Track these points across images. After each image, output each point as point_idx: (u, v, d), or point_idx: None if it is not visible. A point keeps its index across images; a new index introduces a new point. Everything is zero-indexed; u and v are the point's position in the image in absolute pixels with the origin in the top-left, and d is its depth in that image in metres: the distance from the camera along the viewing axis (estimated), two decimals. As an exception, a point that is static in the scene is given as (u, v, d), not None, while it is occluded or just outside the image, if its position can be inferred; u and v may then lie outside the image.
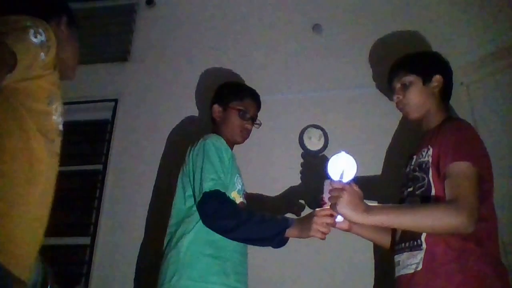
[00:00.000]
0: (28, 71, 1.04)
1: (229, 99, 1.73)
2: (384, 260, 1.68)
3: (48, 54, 1.07)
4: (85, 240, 2.16)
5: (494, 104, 1.96)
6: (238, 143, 1.74)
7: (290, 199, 1.98)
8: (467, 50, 2.03)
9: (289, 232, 1.38)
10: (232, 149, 1.65)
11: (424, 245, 1.29)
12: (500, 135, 1.88)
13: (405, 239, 1.36)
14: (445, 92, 1.54)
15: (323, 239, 1.35)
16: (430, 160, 1.34)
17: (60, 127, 1.21)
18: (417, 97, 1.51)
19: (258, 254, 1.67)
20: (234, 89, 1.79)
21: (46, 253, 1.32)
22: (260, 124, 1.81)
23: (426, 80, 1.51)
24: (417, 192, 1.37)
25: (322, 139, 2.09)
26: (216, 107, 1.75)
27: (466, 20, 2.09)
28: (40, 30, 1.06)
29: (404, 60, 1.59)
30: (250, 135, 1.78)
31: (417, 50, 1.69)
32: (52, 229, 2.27)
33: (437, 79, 1.52)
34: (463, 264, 1.22)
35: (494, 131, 1.89)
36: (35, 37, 1.04)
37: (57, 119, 1.18)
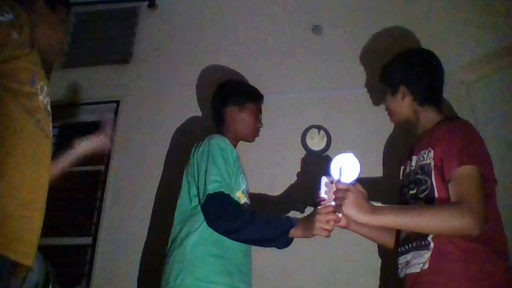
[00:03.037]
0: (1, 50, 0.99)
1: (246, 100, 1.75)
2: (389, 260, 1.67)
3: (21, 32, 1.03)
4: (87, 240, 2.17)
5: (494, 103, 1.95)
6: (250, 141, 1.77)
7: (292, 197, 1.98)
8: (467, 50, 2.03)
9: (293, 232, 1.37)
10: (236, 147, 1.66)
11: (432, 245, 1.27)
12: (501, 134, 1.88)
13: (411, 240, 1.35)
14: (423, 98, 1.48)
15: (327, 237, 1.34)
16: (433, 163, 1.33)
17: (48, 107, 1.17)
18: (390, 105, 1.56)
19: (263, 254, 1.67)
20: (249, 91, 1.81)
21: (48, 253, 1.33)
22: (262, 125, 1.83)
23: (394, 90, 1.52)
24: (420, 196, 1.36)
25: (325, 139, 2.09)
26: (233, 109, 1.74)
27: (466, 19, 2.09)
28: (6, 8, 1.01)
29: (381, 69, 1.61)
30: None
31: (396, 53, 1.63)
32: (54, 229, 2.31)
33: (401, 90, 1.50)
34: (470, 263, 1.22)
35: (495, 131, 1.88)
36: (2, 15, 0.99)
37: (43, 99, 1.14)
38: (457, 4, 2.15)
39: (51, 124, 1.18)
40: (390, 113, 1.58)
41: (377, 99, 2.09)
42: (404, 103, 1.50)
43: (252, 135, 1.76)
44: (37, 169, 1.10)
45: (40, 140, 1.12)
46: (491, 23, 1.99)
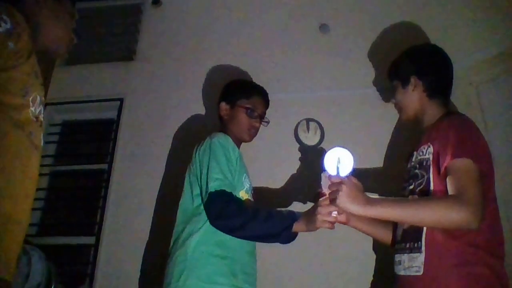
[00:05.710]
0: None
1: (236, 97, 1.71)
2: (384, 257, 1.68)
3: (18, 42, 1.00)
4: (90, 240, 2.15)
5: (503, 105, 1.93)
6: (246, 141, 1.72)
7: (293, 190, 1.98)
8: (476, 50, 2.01)
9: (296, 226, 1.36)
10: (239, 147, 1.64)
11: (423, 248, 1.27)
12: (510, 135, 1.86)
13: (407, 239, 1.35)
14: (433, 90, 1.49)
15: (331, 228, 1.33)
16: (431, 158, 1.33)
17: (41, 117, 1.15)
18: (401, 100, 1.55)
19: (267, 255, 1.65)
20: (242, 87, 1.77)
21: (50, 252, 1.32)
22: (268, 122, 1.79)
23: (404, 83, 1.53)
24: (416, 190, 1.36)
25: (318, 132, 2.09)
26: (223, 105, 1.73)
27: (475, 20, 2.07)
28: (4, 17, 0.98)
29: (390, 65, 1.62)
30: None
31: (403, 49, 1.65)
32: (57, 229, 2.31)
33: (412, 80, 1.50)
34: (463, 267, 1.21)
35: (504, 132, 1.87)
36: None
37: (34, 110, 1.11)
38: (466, 4, 2.13)
39: (42, 134, 1.16)
40: (400, 109, 1.58)
41: (381, 98, 2.09)
42: (414, 95, 1.51)
43: (245, 134, 1.69)
44: (24, 183, 1.08)
45: (29, 154, 1.10)
46: (500, 24, 1.98)
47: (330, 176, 1.31)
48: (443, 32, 2.09)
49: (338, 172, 1.30)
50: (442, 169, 1.27)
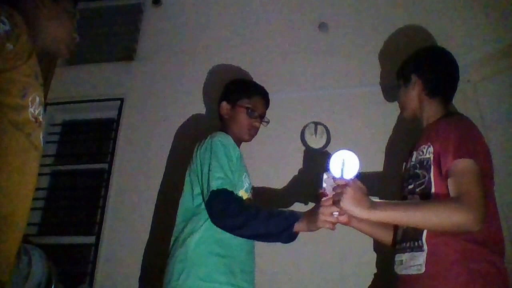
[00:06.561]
0: None
1: (237, 97, 1.72)
2: (385, 257, 1.68)
3: (17, 43, 1.00)
4: (90, 239, 2.16)
5: (501, 102, 1.94)
6: (246, 141, 1.72)
7: (294, 191, 1.98)
8: (474, 48, 2.01)
9: (297, 226, 1.36)
10: (239, 147, 1.64)
11: (425, 247, 1.28)
12: (507, 133, 1.87)
13: (407, 239, 1.36)
14: (432, 89, 1.50)
15: (332, 229, 1.33)
16: (432, 158, 1.34)
17: (40, 118, 1.14)
18: (402, 98, 1.58)
19: (266, 254, 1.65)
20: (243, 87, 1.78)
21: (51, 252, 1.32)
22: (268, 122, 1.80)
23: (406, 81, 1.56)
24: (417, 190, 1.37)
25: (324, 136, 2.09)
26: (224, 105, 1.74)
27: (473, 17, 2.08)
28: (2, 18, 0.97)
29: (399, 66, 1.64)
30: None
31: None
32: (57, 228, 2.31)
33: (413, 78, 1.53)
34: (464, 264, 1.22)
35: (501, 129, 1.88)
36: None
37: (34, 111, 1.11)
38: (463, 2, 2.14)
39: (41, 135, 1.16)
40: (401, 107, 1.61)
41: (381, 97, 2.09)
42: (413, 93, 1.53)
43: (245, 134, 1.70)
44: (22, 183, 1.08)
45: (28, 154, 1.09)
46: (498, 22, 1.99)
47: (335, 178, 1.30)
48: (441, 30, 2.10)
49: (343, 174, 1.30)
50: (444, 171, 1.28)
